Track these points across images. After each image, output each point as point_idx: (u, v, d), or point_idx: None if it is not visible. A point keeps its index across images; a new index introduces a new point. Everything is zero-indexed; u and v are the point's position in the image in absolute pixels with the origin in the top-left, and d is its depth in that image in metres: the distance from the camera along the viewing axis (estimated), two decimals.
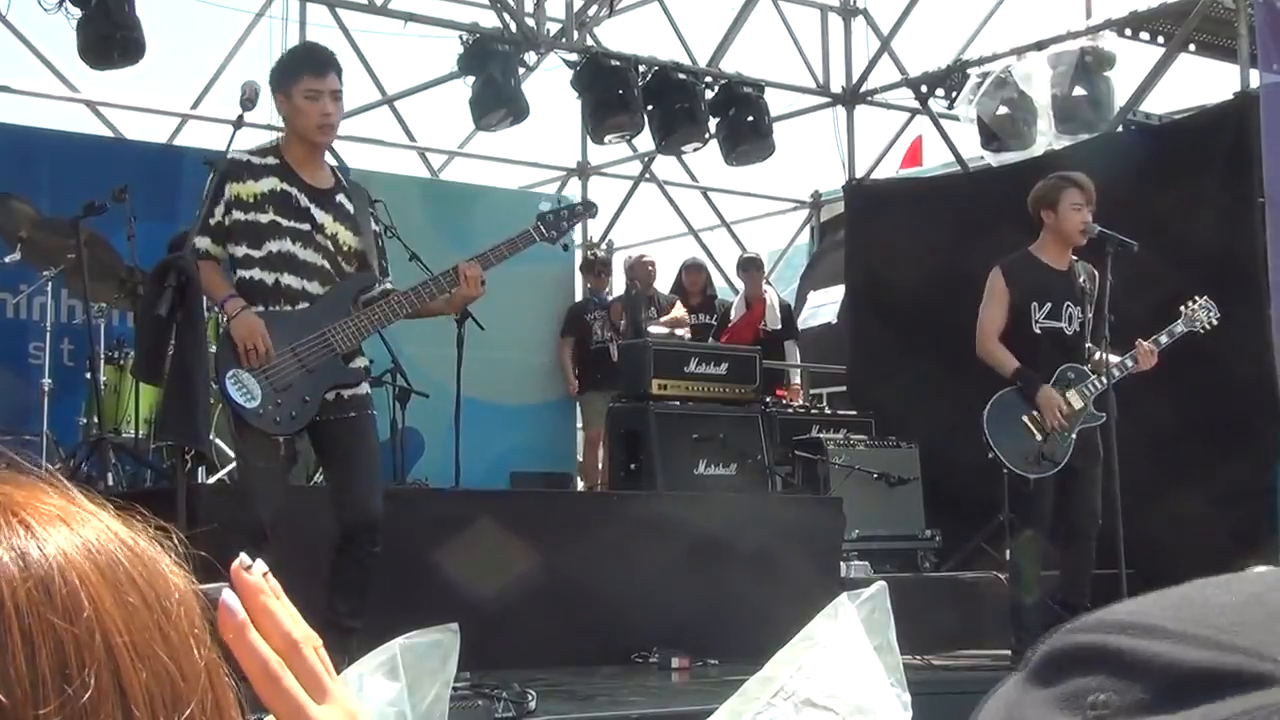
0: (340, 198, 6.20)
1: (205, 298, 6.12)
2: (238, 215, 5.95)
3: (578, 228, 14.86)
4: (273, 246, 5.98)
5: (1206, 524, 9.05)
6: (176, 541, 0.96)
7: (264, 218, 5.97)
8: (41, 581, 0.84)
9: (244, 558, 1.06)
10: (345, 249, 6.14)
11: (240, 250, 5.96)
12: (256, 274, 5.96)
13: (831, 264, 14.87)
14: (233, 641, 1.02)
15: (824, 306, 14.87)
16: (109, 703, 0.84)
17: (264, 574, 1.07)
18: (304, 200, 6.07)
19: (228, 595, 1.03)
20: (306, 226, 6.04)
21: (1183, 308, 7.91)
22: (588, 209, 6.70)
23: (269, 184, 6.02)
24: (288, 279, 5.99)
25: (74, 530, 0.88)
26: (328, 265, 6.08)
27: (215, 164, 6.08)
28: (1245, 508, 9.17)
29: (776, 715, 2.14)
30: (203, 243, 5.96)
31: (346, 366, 6.08)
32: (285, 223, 6.01)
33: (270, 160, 6.08)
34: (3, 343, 10.14)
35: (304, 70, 6.10)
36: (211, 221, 5.97)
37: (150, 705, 0.86)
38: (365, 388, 6.23)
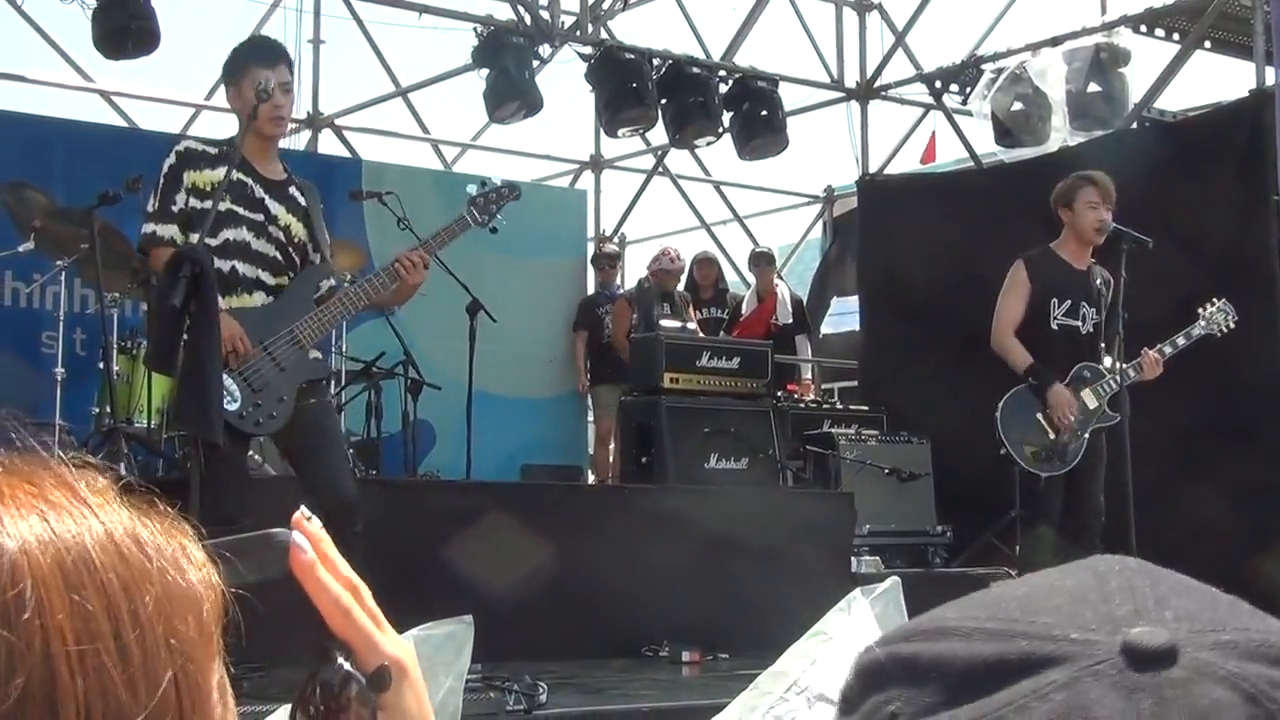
0: (292, 190, 6.25)
1: None
2: (195, 203, 5.96)
3: (589, 222, 14.91)
4: (228, 235, 6.00)
5: (1220, 523, 9.02)
6: (196, 535, 0.93)
7: (221, 206, 5.96)
8: None
9: (305, 509, 1.11)
10: (296, 240, 6.19)
11: (195, 238, 5.95)
12: (214, 261, 5.95)
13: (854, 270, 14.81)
14: (305, 578, 1.06)
15: (850, 315, 14.80)
16: (35, 714, 0.79)
17: (321, 526, 1.12)
18: (258, 191, 6.11)
19: (298, 536, 1.08)
20: (260, 217, 6.08)
21: (1201, 310, 7.88)
22: (512, 190, 6.72)
23: (223, 172, 6.02)
24: (243, 268, 6.03)
25: (49, 524, 0.83)
26: (279, 256, 6.12)
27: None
28: (1259, 506, 9.14)
29: (789, 709, 2.13)
30: (166, 230, 5.97)
31: (311, 361, 6.13)
32: (240, 211, 6.05)
33: (224, 149, 6.10)
34: (16, 332, 10.15)
35: (254, 62, 6.13)
36: (174, 209, 5.98)
37: (86, 718, 0.80)
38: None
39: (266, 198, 6.12)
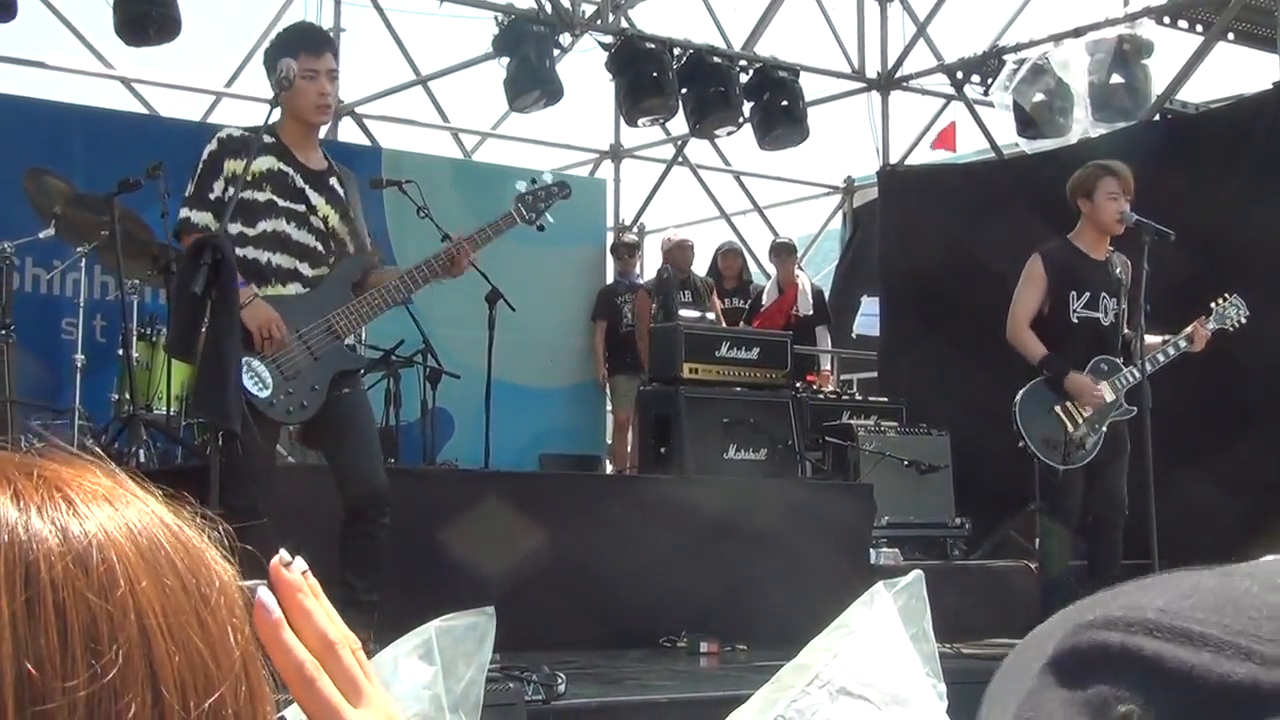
0: (332, 180, 6.22)
1: None
2: (234, 192, 5.92)
3: (609, 210, 14.90)
4: (266, 226, 5.98)
5: (1224, 513, 9.01)
6: (222, 533, 0.95)
7: (261, 196, 5.97)
8: (79, 556, 0.85)
9: (284, 554, 1.05)
10: (335, 232, 6.17)
11: (235, 228, 5.93)
12: (250, 252, 5.95)
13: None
14: (267, 640, 1.00)
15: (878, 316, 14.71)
16: (138, 680, 0.84)
17: (303, 572, 1.06)
18: (299, 181, 6.08)
19: (264, 593, 1.02)
20: (301, 207, 6.06)
21: (1213, 305, 7.86)
22: (562, 188, 6.69)
23: (266, 163, 6.01)
24: (279, 258, 6.00)
25: (117, 510, 0.89)
26: (319, 246, 6.10)
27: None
28: (1264, 496, 9.11)
29: (811, 703, 2.12)
30: (200, 217, 5.94)
31: (347, 351, 6.13)
32: (281, 202, 6.02)
33: (266, 139, 6.07)
34: (36, 318, 10.16)
35: (300, 49, 6.08)
36: (210, 196, 5.95)
37: (180, 688, 0.86)
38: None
39: (307, 188, 6.09)
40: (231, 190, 5.90)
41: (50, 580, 0.83)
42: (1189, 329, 7.67)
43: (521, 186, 6.62)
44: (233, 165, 5.96)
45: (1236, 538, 8.27)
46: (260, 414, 5.81)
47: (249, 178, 5.93)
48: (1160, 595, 0.72)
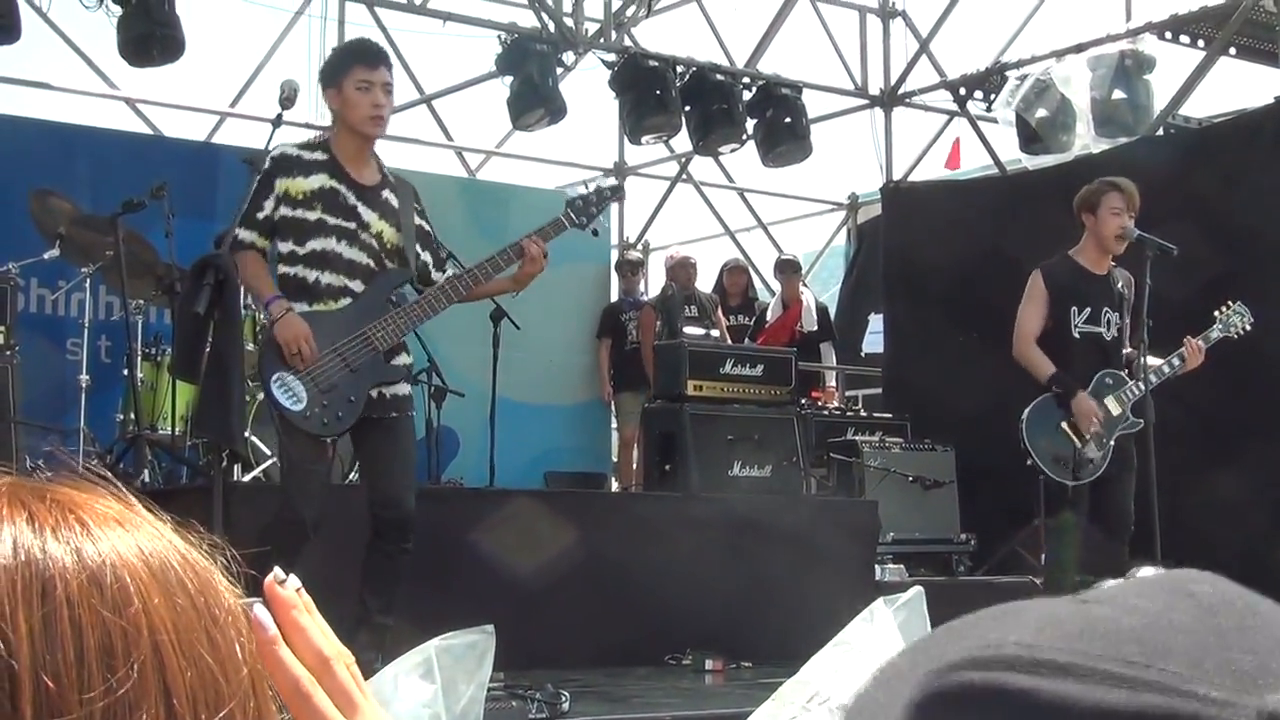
0: (386, 193, 6.20)
1: (249, 293, 6.12)
2: (285, 211, 5.94)
3: (614, 227, 14.90)
4: (316, 245, 5.97)
5: (1242, 511, 9.01)
6: (229, 558, 0.98)
7: (311, 215, 5.96)
8: (94, 575, 0.87)
9: (278, 572, 1.06)
10: (389, 246, 6.13)
11: (286, 246, 5.96)
12: (299, 270, 5.95)
13: None
14: (264, 657, 1.01)
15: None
16: (152, 695, 0.86)
17: (297, 589, 1.07)
18: (351, 198, 6.06)
19: (259, 610, 1.03)
20: (353, 225, 6.03)
21: (1217, 312, 7.86)
22: (615, 192, 6.70)
23: (319, 181, 6.01)
24: (328, 277, 5.98)
25: (128, 532, 0.91)
26: (372, 263, 6.07)
27: (255, 160, 6.10)
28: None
29: None
30: (248, 235, 5.94)
31: (388, 364, 6.08)
32: (332, 220, 6.00)
33: (319, 155, 6.06)
34: (41, 339, 10.16)
35: (356, 61, 6.11)
36: (259, 215, 5.95)
37: (192, 703, 0.88)
38: (406, 387, 6.22)
39: (359, 205, 6.07)
40: (284, 209, 5.94)
41: (66, 597, 0.85)
42: (1181, 348, 7.66)
43: (572, 193, 6.64)
44: (285, 184, 5.97)
45: (1264, 536, 8.34)
46: (296, 428, 5.83)
47: (299, 196, 5.96)
48: (1014, 629, 0.70)
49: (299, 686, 1.03)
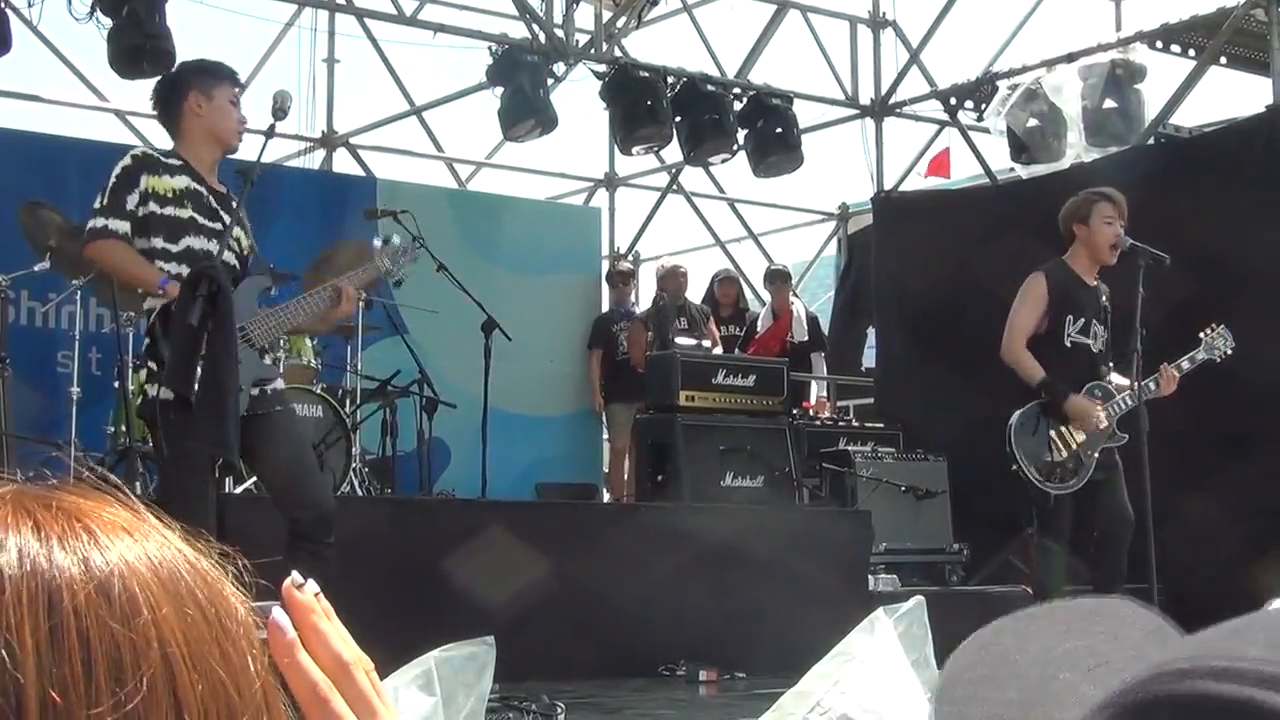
0: (234, 203, 6.23)
1: (133, 281, 6.11)
2: (154, 208, 5.93)
3: (604, 238, 14.91)
4: (189, 242, 5.98)
5: (1226, 537, 9.00)
6: (240, 567, 0.96)
7: (184, 213, 5.98)
8: (102, 585, 0.85)
9: (296, 576, 1.04)
10: (245, 252, 6.22)
11: (158, 242, 5.94)
12: (174, 267, 5.91)
13: None
14: (282, 661, 1.00)
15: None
16: (162, 708, 0.84)
17: (315, 594, 1.06)
18: (212, 201, 6.10)
19: (278, 613, 1.01)
20: (219, 226, 6.07)
21: (1202, 335, 7.81)
22: (417, 250, 7.01)
23: (183, 181, 6.02)
24: None
25: (137, 541, 0.89)
26: (238, 265, 6.13)
27: (247, 171, 6.18)
28: (1268, 521, 9.09)
29: None
30: (120, 225, 5.91)
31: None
32: (201, 220, 6.03)
33: (175, 161, 6.09)
34: (31, 351, 10.15)
35: (227, 78, 6.23)
36: (127, 208, 5.93)
37: (204, 717, 0.86)
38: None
39: (219, 208, 6.12)
40: (153, 205, 5.93)
41: (73, 608, 0.83)
42: (1156, 373, 7.63)
43: (378, 243, 6.90)
44: (150, 180, 5.96)
45: (1240, 562, 8.32)
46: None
47: (168, 194, 5.96)
48: (1249, 644, 0.66)
49: (317, 691, 1.02)
